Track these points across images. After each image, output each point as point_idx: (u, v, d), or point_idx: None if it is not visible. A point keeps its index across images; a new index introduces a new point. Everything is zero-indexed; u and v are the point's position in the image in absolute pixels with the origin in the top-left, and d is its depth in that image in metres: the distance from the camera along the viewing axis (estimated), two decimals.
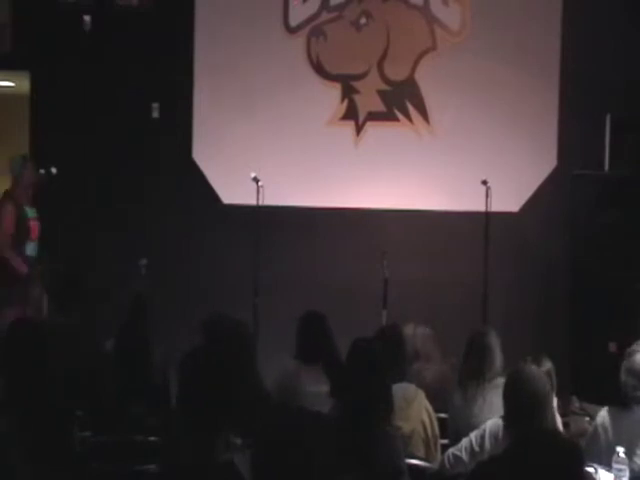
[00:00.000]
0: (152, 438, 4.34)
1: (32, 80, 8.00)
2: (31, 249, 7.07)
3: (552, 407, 4.26)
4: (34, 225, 7.10)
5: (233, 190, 7.72)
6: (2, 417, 3.54)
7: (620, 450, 4.05)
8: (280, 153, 7.76)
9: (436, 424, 4.58)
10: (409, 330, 5.47)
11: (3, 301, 6.77)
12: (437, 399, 4.83)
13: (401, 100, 7.96)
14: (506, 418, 3.86)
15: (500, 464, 3.28)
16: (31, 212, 7.10)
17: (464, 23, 7.91)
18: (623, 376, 4.42)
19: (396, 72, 7.95)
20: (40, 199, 7.27)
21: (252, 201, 7.08)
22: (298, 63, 7.95)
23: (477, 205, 7.17)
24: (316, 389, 4.69)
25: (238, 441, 3.81)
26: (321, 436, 2.79)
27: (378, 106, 7.96)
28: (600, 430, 4.41)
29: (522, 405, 3.68)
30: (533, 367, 3.82)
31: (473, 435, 4.24)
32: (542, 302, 7.76)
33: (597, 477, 4.05)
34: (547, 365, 4.63)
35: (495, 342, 4.88)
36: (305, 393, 4.76)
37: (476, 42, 7.84)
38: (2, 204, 7.01)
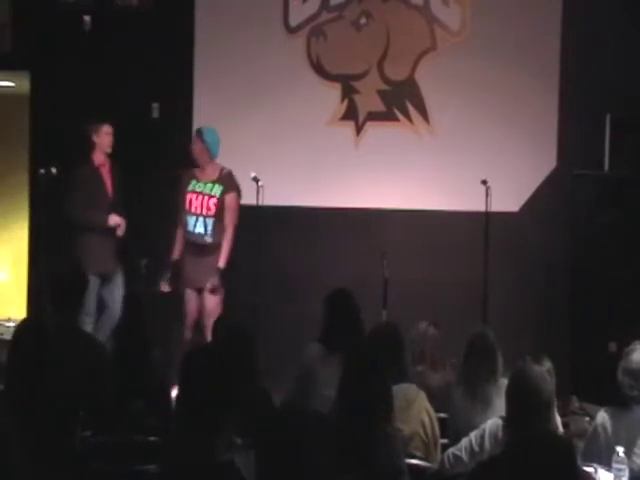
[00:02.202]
0: (152, 438, 4.34)
1: (32, 80, 8.00)
2: (191, 224, 7.00)
3: (554, 407, 4.26)
4: (191, 197, 6.99)
5: None
6: (3, 417, 3.54)
7: (620, 450, 4.05)
8: (280, 153, 7.77)
9: (437, 425, 4.58)
10: (421, 328, 5.45)
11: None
12: (438, 402, 4.83)
13: (401, 100, 7.96)
14: (508, 417, 3.86)
15: (500, 464, 3.28)
16: (199, 185, 7.01)
17: (464, 23, 7.91)
18: (620, 376, 4.43)
19: (396, 72, 7.95)
20: (40, 199, 7.28)
21: (252, 201, 7.08)
22: (298, 63, 7.95)
23: (477, 205, 7.17)
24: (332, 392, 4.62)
25: (238, 441, 3.81)
26: (324, 436, 2.79)
27: (378, 106, 7.97)
28: (600, 430, 4.41)
29: (526, 404, 3.68)
30: (536, 367, 3.82)
31: (473, 435, 4.24)
32: (542, 302, 7.76)
33: (597, 477, 4.05)
34: (547, 365, 4.63)
35: (495, 342, 4.88)
36: (321, 395, 4.75)
37: (476, 42, 7.84)
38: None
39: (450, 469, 4.28)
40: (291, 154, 7.82)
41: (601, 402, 4.82)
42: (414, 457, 4.32)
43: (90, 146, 7.22)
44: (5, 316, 8.24)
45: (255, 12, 7.93)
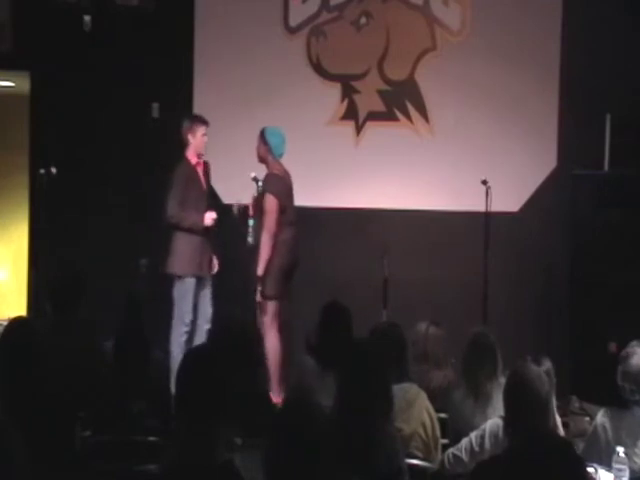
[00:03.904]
0: (152, 438, 4.34)
1: (32, 80, 8.00)
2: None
3: (553, 407, 4.26)
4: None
5: (233, 190, 7.71)
6: (3, 417, 3.54)
7: (620, 450, 4.05)
8: None
9: (437, 425, 4.57)
10: (422, 328, 5.44)
11: None
12: (440, 401, 4.82)
13: (401, 100, 7.97)
14: (506, 418, 3.86)
15: (500, 464, 3.28)
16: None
17: (464, 23, 7.92)
18: (620, 380, 4.41)
19: (396, 72, 7.95)
20: (40, 199, 7.28)
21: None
22: (298, 63, 7.95)
23: (477, 205, 7.17)
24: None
25: (238, 441, 3.81)
26: (328, 436, 2.81)
27: (378, 106, 7.97)
28: (600, 430, 4.41)
29: (523, 405, 3.68)
30: (534, 367, 3.82)
31: (473, 435, 4.24)
32: (542, 302, 7.76)
33: (597, 477, 4.05)
34: (547, 365, 4.63)
35: (495, 342, 4.87)
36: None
37: (476, 42, 7.85)
38: None
39: (450, 469, 4.28)
40: (291, 154, 7.80)
41: (601, 402, 4.81)
42: (414, 457, 4.31)
43: (183, 145, 7.03)
44: (5, 316, 8.22)
45: (255, 12, 7.93)
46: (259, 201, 6.87)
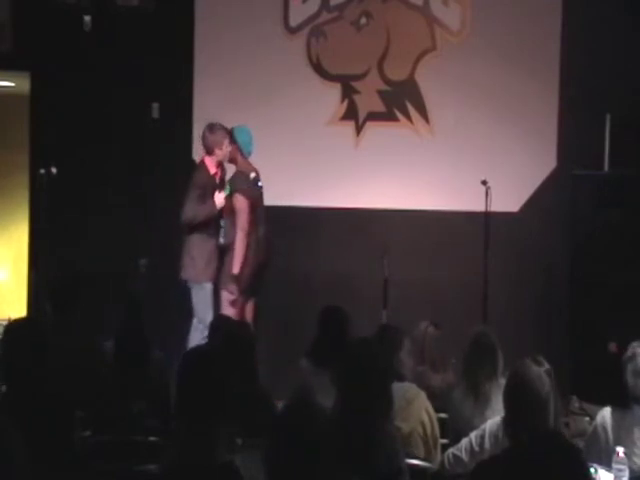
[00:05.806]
0: (152, 438, 4.34)
1: (32, 80, 8.00)
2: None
3: (552, 407, 4.25)
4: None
5: None
6: (2, 416, 3.54)
7: (620, 450, 4.05)
8: (280, 153, 7.76)
9: (436, 424, 4.58)
10: (421, 327, 5.45)
11: None
12: (439, 402, 4.82)
13: (401, 100, 7.97)
14: (507, 418, 3.86)
15: (500, 464, 3.28)
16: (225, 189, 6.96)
17: (464, 23, 7.92)
18: (631, 379, 4.38)
19: (396, 72, 7.95)
20: (39, 199, 7.28)
21: None
22: (298, 63, 7.95)
23: (477, 205, 7.17)
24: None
25: (239, 441, 3.82)
26: (328, 436, 2.81)
27: (378, 106, 7.97)
28: (600, 430, 4.41)
29: (523, 405, 3.68)
30: (534, 367, 3.82)
31: (473, 435, 4.24)
32: (542, 302, 7.76)
33: (597, 477, 4.05)
34: (546, 365, 4.63)
35: (496, 342, 4.88)
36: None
37: (476, 42, 7.85)
38: None
39: (450, 469, 4.28)
40: (291, 154, 7.82)
41: (601, 402, 4.81)
42: (414, 457, 4.32)
43: (206, 151, 7.01)
44: (5, 316, 8.23)
45: (255, 12, 7.93)
46: (229, 201, 6.87)
